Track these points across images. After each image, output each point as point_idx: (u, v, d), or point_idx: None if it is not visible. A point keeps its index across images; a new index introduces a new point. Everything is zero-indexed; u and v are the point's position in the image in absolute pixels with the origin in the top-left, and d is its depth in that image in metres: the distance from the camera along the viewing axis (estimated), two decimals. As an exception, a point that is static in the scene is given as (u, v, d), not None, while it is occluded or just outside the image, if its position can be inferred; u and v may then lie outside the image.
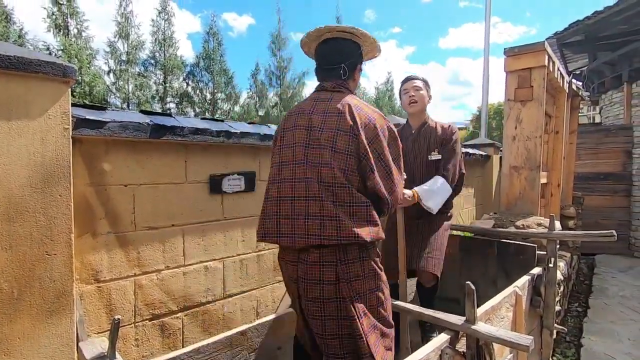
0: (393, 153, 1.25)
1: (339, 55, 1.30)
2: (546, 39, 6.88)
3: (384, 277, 1.32)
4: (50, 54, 11.13)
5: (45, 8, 10.93)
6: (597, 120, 9.10)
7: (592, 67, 6.25)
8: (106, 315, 1.60)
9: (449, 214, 2.30)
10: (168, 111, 14.94)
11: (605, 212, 5.79)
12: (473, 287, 1.49)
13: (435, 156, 2.13)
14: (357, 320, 1.18)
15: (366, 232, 1.14)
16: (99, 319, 1.59)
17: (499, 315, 1.90)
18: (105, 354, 1.20)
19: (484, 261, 2.75)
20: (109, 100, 13.24)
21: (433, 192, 2.03)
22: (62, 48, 11.19)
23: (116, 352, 1.30)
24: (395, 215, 2.19)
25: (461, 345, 1.57)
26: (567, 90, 3.89)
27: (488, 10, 8.21)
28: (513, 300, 2.04)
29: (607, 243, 5.80)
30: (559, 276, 3.18)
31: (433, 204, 2.02)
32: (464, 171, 2.25)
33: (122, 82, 13.67)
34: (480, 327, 1.47)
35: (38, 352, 1.33)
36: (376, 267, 1.27)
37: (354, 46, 1.32)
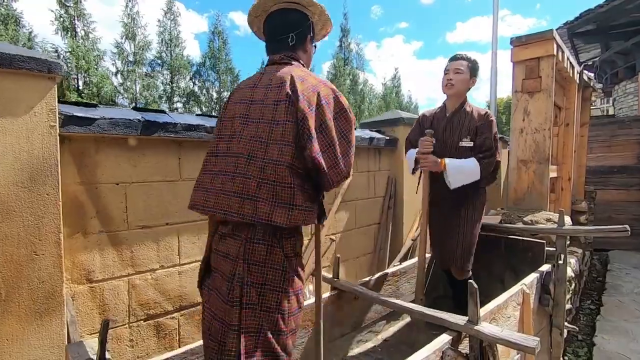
0: (340, 125, 1.12)
1: (285, 25, 1.22)
2: (556, 29, 6.69)
3: (296, 281, 1.09)
4: (58, 56, 11.27)
5: (52, 11, 11.05)
6: (611, 112, 8.83)
7: (604, 57, 6.06)
8: (99, 315, 1.57)
9: (480, 202, 2.16)
10: (176, 111, 15.01)
11: (619, 207, 5.62)
12: (476, 285, 1.42)
13: (466, 143, 2.00)
14: (240, 308, 1.01)
15: (284, 217, 1.01)
16: (92, 319, 1.56)
17: (504, 315, 1.82)
18: (91, 356, 1.16)
19: (490, 258, 2.66)
20: (116, 100, 13.36)
21: (462, 170, 1.94)
22: (70, 50, 11.32)
23: (107, 354, 1.27)
24: (436, 205, 2.10)
25: (464, 347, 1.50)
26: (577, 81, 3.76)
27: (496, 3, 8.04)
28: (520, 299, 1.95)
29: (621, 239, 5.64)
30: (570, 273, 3.08)
31: (455, 180, 1.93)
32: (499, 159, 2.09)
33: (129, 83, 13.78)
34: (484, 327, 1.40)
35: (27, 354, 1.31)
36: (285, 262, 1.06)
37: (301, 16, 1.24)
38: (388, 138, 2.97)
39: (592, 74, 7.44)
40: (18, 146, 1.27)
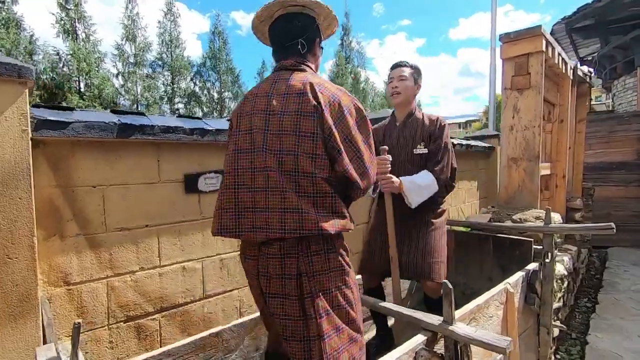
0: (363, 133, 1.14)
1: (294, 30, 1.19)
2: (554, 24, 6.63)
3: (352, 274, 1.21)
4: (60, 59, 11.36)
5: (53, 14, 11.13)
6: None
7: (603, 52, 5.99)
8: (77, 317, 1.59)
9: (439, 211, 2.13)
10: (177, 112, 15.09)
11: (618, 203, 5.56)
12: (450, 286, 1.41)
13: (420, 150, 1.99)
14: (317, 319, 1.07)
15: (331, 224, 1.05)
16: (70, 322, 1.57)
17: (486, 314, 1.81)
18: (62, 357, 1.17)
19: (479, 257, 2.65)
20: (118, 102, 13.45)
21: (419, 186, 1.90)
22: (71, 52, 11.40)
23: (80, 356, 1.28)
24: (380, 212, 2.10)
25: (441, 347, 1.50)
26: (571, 77, 3.71)
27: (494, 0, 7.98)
28: (503, 298, 1.94)
29: (621, 235, 5.57)
30: (562, 271, 3.05)
31: (414, 199, 1.88)
32: (455, 166, 2.08)
33: (130, 84, 13.85)
34: (458, 327, 1.39)
35: (2, 356, 1.33)
36: (343, 262, 1.16)
37: (308, 19, 1.21)
38: (376, 137, 2.95)
39: (592, 69, 7.36)
40: (-11, 151, 1.29)
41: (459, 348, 1.45)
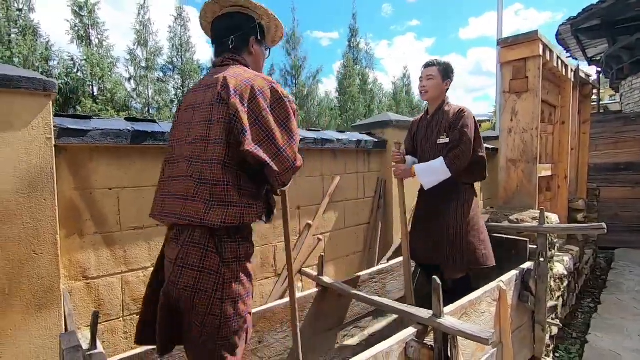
0: (278, 114, 1.10)
1: (227, 28, 1.23)
2: (560, 25, 6.62)
3: (236, 288, 1.06)
4: (74, 64, 11.68)
5: (68, 21, 11.45)
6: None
7: (609, 52, 5.97)
8: (96, 308, 1.72)
9: (463, 201, 2.15)
10: (187, 114, 15.30)
11: (625, 204, 5.53)
12: (439, 281, 1.51)
13: (443, 139, 2.07)
14: (188, 314, 1.04)
15: (220, 216, 1.00)
16: (88, 312, 1.71)
17: (478, 310, 1.89)
18: (83, 344, 1.30)
19: (477, 256, 2.72)
20: (130, 105, 13.72)
21: (428, 170, 2.03)
22: (85, 58, 11.68)
23: (97, 342, 1.41)
24: (425, 200, 2.20)
25: (432, 339, 1.59)
26: (572, 79, 3.75)
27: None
28: (496, 295, 2.02)
29: (628, 236, 5.55)
30: (562, 271, 3.10)
31: (425, 181, 2.04)
32: (482, 154, 2.11)
33: (142, 88, 14.11)
34: (445, 320, 1.48)
35: (30, 342, 1.47)
36: (222, 268, 1.03)
37: (244, 18, 1.24)
38: (377, 140, 3.06)
39: (600, 70, 7.31)
40: (17, 157, 1.43)
41: (448, 340, 1.54)
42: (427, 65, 2.16)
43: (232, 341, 1.06)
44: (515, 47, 2.91)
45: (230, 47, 1.22)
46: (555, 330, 2.88)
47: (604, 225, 2.06)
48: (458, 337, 1.39)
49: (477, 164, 2.13)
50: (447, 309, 1.69)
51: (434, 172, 2.00)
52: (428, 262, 2.25)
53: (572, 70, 3.71)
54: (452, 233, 2.10)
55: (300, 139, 2.49)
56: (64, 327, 1.53)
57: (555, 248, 2.89)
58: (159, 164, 1.90)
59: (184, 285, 1.02)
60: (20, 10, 10.60)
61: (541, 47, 2.84)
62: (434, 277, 1.51)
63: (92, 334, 1.40)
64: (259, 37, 1.28)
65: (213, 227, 1.01)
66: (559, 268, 3.08)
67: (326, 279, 2.16)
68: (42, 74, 10.32)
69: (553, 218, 2.76)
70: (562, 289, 3.13)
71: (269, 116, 1.07)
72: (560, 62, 3.32)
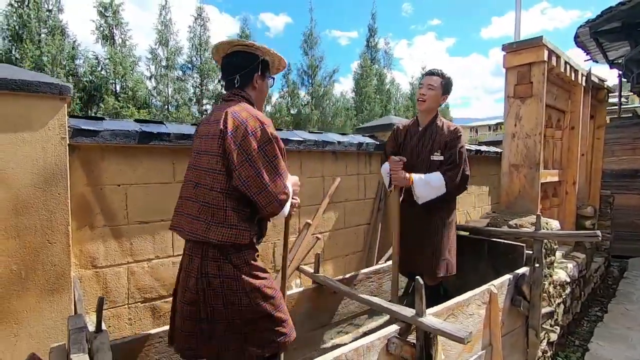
0: (266, 153, 1.25)
1: (234, 67, 1.39)
2: (578, 28, 6.47)
3: (255, 282, 1.28)
4: (98, 63, 12.14)
5: (93, 21, 11.90)
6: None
7: (630, 56, 5.80)
8: (103, 295, 1.86)
9: (452, 212, 2.26)
10: (205, 113, 15.68)
11: (641, 212, 5.38)
12: (422, 282, 1.57)
13: (437, 157, 2.10)
14: (207, 317, 1.25)
15: (217, 235, 1.21)
16: (96, 298, 1.85)
17: (466, 312, 1.94)
18: (89, 327, 1.43)
19: (475, 259, 2.75)
20: (150, 103, 14.12)
21: (428, 185, 2.04)
22: (108, 57, 12.11)
23: (103, 325, 1.54)
24: (409, 209, 2.20)
25: (414, 337, 1.65)
26: (583, 84, 3.70)
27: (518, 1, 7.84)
28: (486, 298, 2.06)
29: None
30: (564, 278, 3.09)
31: (421, 195, 2.04)
32: (468, 173, 2.18)
33: (162, 86, 14.52)
34: (426, 319, 1.54)
35: (42, 323, 1.62)
36: (237, 272, 1.25)
37: (249, 57, 1.39)
38: (378, 143, 3.11)
39: (621, 73, 7.10)
40: (35, 155, 1.58)
41: (430, 338, 1.60)
42: (432, 73, 2.13)
43: (272, 318, 1.31)
44: (520, 53, 2.91)
45: (237, 85, 1.39)
46: (554, 336, 2.88)
47: (598, 233, 2.07)
48: (444, 337, 1.45)
49: (462, 180, 2.17)
50: (434, 309, 1.74)
51: (432, 187, 2.01)
52: (413, 271, 2.26)
53: (582, 74, 3.66)
54: (436, 243, 2.14)
55: (301, 140, 2.58)
56: (73, 310, 1.68)
57: (556, 254, 2.88)
58: (164, 163, 2.04)
59: (213, 289, 1.24)
60: (49, 11, 11.09)
61: (546, 52, 2.83)
62: (417, 277, 1.58)
63: (97, 317, 1.53)
64: (263, 72, 1.45)
65: (215, 243, 1.22)
66: (560, 275, 3.06)
67: (322, 276, 2.25)
68: (68, 72, 10.79)
69: (553, 224, 2.75)
70: (564, 296, 3.11)
71: (258, 155, 1.23)
72: (568, 67, 3.29)
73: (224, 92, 1.45)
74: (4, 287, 1.53)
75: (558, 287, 3.02)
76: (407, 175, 1.99)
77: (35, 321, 1.60)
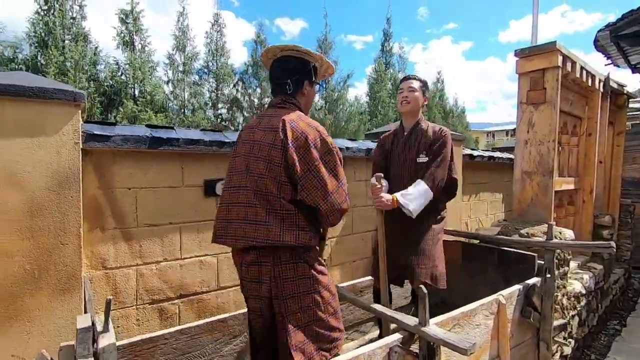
0: (328, 163, 1.29)
1: (284, 72, 1.40)
2: (598, 31, 6.30)
3: (324, 280, 1.37)
4: (118, 68, 12.50)
5: (114, 27, 12.28)
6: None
7: (652, 60, 5.61)
8: (112, 296, 1.91)
9: (438, 217, 2.24)
10: (220, 117, 15.95)
11: (665, 222, 5.16)
12: (425, 290, 1.55)
13: (423, 158, 2.11)
14: (283, 318, 1.28)
15: (293, 237, 1.24)
16: (105, 299, 1.90)
17: (472, 322, 1.90)
18: (90, 326, 1.47)
19: (485, 269, 2.70)
20: (167, 107, 14.42)
21: (412, 195, 2.01)
22: (128, 62, 12.45)
23: (110, 325, 1.58)
24: (387, 223, 2.23)
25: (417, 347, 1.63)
26: (601, 90, 3.60)
27: (536, 2, 7.71)
28: (494, 309, 2.02)
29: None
30: (579, 289, 3.00)
31: (412, 208, 2.00)
32: (455, 176, 2.19)
33: (179, 91, 14.82)
34: (429, 329, 1.52)
35: (53, 322, 1.67)
36: (312, 271, 1.32)
37: (301, 62, 1.40)
38: (388, 149, 3.10)
39: (644, 77, 6.86)
40: (50, 159, 1.64)
41: (434, 348, 1.58)
42: (409, 78, 2.20)
43: (335, 313, 1.39)
44: (532, 58, 2.87)
45: (289, 91, 1.40)
46: (567, 350, 2.79)
47: (612, 244, 2.00)
48: (447, 347, 1.43)
49: (450, 184, 2.16)
50: (438, 318, 1.72)
51: (418, 197, 1.98)
52: (400, 279, 2.22)
53: (600, 80, 3.57)
54: (424, 249, 2.09)
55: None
56: (83, 310, 1.72)
57: (570, 265, 2.80)
58: (173, 167, 2.09)
59: (287, 294, 1.28)
60: (73, 18, 11.50)
61: (560, 58, 2.77)
62: (420, 286, 1.56)
63: (105, 318, 1.57)
64: (313, 79, 1.46)
65: (291, 246, 1.26)
66: (575, 286, 2.97)
67: (327, 282, 2.25)
68: (90, 77, 11.14)
69: (567, 234, 2.68)
70: (579, 308, 3.01)
71: (320, 166, 1.26)
72: (584, 72, 3.21)
73: (272, 96, 1.46)
74: (18, 286, 1.59)
75: (572, 299, 2.94)
76: (389, 197, 1.97)
77: (46, 320, 1.65)
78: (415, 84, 2.15)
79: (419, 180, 2.05)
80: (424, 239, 2.13)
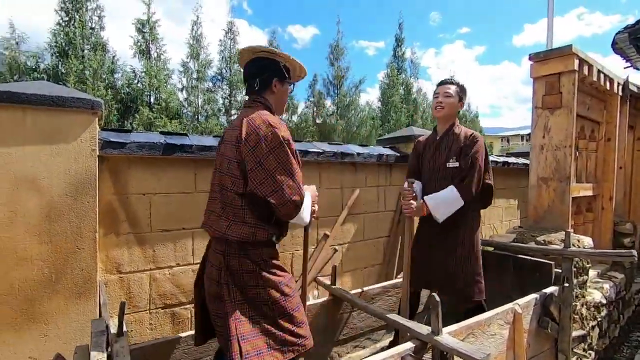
0: (278, 155, 1.29)
1: (253, 72, 1.44)
2: (616, 34, 6.16)
3: (273, 278, 1.34)
4: (135, 76, 12.82)
5: (131, 36, 12.62)
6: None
7: (674, 62, 5.45)
8: (126, 300, 1.94)
9: (475, 227, 2.14)
10: (231, 123, 16.13)
11: (690, 230, 4.96)
12: (438, 299, 1.53)
13: (453, 163, 2.05)
14: (227, 303, 1.27)
15: (237, 231, 1.29)
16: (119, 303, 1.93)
17: (487, 332, 1.86)
18: (104, 329, 1.49)
19: (500, 277, 2.64)
20: (182, 113, 14.69)
21: (441, 200, 1.98)
22: (144, 70, 12.75)
23: (124, 328, 1.60)
24: (421, 227, 2.19)
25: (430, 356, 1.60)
26: (620, 93, 3.51)
27: (551, 6, 7.60)
28: (510, 318, 1.97)
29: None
30: (600, 299, 2.90)
31: (439, 214, 1.98)
32: (490, 182, 2.08)
33: (193, 97, 15.08)
34: (442, 338, 1.50)
35: (69, 324, 1.70)
36: (256, 267, 1.32)
37: (268, 62, 1.43)
38: (399, 154, 3.08)
39: (665, 80, 6.66)
40: (68, 165, 1.68)
41: (447, 358, 1.55)
42: (445, 82, 2.14)
43: (291, 317, 1.35)
44: (547, 62, 2.82)
45: (256, 88, 1.44)
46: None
47: (634, 252, 1.93)
48: (460, 357, 1.40)
49: (485, 191, 2.07)
50: (451, 327, 1.69)
51: (448, 204, 1.94)
52: (427, 288, 2.16)
53: (619, 83, 3.48)
54: (457, 260, 2.03)
55: (320, 152, 2.60)
56: (98, 314, 1.76)
57: (589, 273, 2.72)
58: (187, 173, 2.12)
59: (234, 283, 1.30)
60: (92, 28, 11.86)
61: (576, 61, 2.72)
62: (432, 294, 1.53)
63: (119, 321, 1.59)
64: (283, 77, 1.48)
65: (234, 240, 1.29)
66: (595, 295, 2.88)
67: (338, 289, 2.23)
68: (107, 85, 11.45)
69: (585, 241, 2.60)
70: (599, 319, 2.92)
71: (270, 159, 1.28)
72: (602, 75, 3.13)
73: (246, 96, 1.50)
74: (36, 289, 1.63)
75: (592, 309, 2.84)
76: (415, 204, 1.93)
77: (63, 323, 1.68)
78: (452, 89, 2.10)
79: (451, 186, 1.99)
80: (463, 248, 2.06)
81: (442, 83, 2.16)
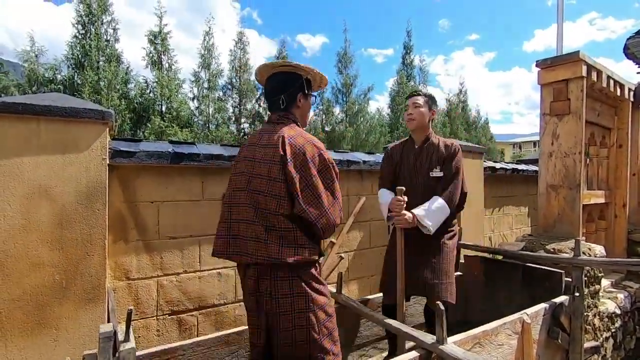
0: (325, 179, 1.30)
1: (278, 87, 1.42)
2: (628, 39, 6.08)
3: (320, 300, 1.34)
4: (147, 86, 13.11)
5: (144, 48, 12.95)
6: None
7: (688, 67, 5.34)
8: (134, 306, 1.97)
9: (452, 233, 2.20)
10: (242, 131, 16.34)
11: None
12: (443, 307, 1.51)
13: (436, 173, 2.10)
14: (278, 333, 1.29)
15: (291, 255, 1.26)
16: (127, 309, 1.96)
17: (494, 342, 1.83)
18: (111, 335, 1.52)
19: (509, 285, 2.60)
20: (192, 122, 14.92)
21: (431, 212, 2.00)
22: (156, 80, 13.03)
23: (131, 335, 1.63)
24: (395, 236, 2.23)
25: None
26: (631, 99, 3.46)
27: (560, 11, 7.54)
28: (518, 328, 1.94)
29: None
30: (613, 309, 2.83)
31: (430, 225, 1.99)
32: (466, 190, 2.17)
33: (203, 106, 15.33)
34: (447, 347, 1.48)
35: (78, 330, 1.74)
36: (307, 289, 1.31)
37: (292, 77, 1.42)
38: (406, 162, 3.08)
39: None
40: (79, 174, 1.73)
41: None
42: (413, 95, 2.20)
43: (330, 335, 1.37)
44: (555, 69, 2.80)
45: (283, 106, 1.43)
46: (603, 374, 2.62)
47: (646, 261, 1.89)
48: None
49: (461, 197, 2.14)
50: (457, 337, 1.67)
51: (437, 214, 1.97)
52: (414, 294, 2.21)
53: (630, 89, 3.43)
54: (441, 266, 2.07)
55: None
56: (106, 320, 1.79)
57: (601, 283, 2.65)
58: (194, 182, 2.16)
59: (282, 311, 1.29)
60: (107, 41, 12.20)
61: (584, 68, 2.69)
62: (437, 302, 1.52)
63: (126, 327, 1.62)
64: (306, 92, 1.48)
65: (289, 263, 1.26)
66: (608, 306, 2.81)
67: (344, 296, 2.23)
68: (121, 95, 11.73)
69: (597, 250, 2.55)
70: (613, 330, 2.84)
71: (318, 181, 1.28)
72: (612, 81, 3.10)
73: (269, 112, 1.48)
74: (47, 295, 1.67)
75: (605, 320, 2.77)
76: (410, 215, 1.94)
77: (72, 328, 1.72)
78: (421, 100, 2.15)
79: (436, 197, 2.03)
80: (441, 255, 2.10)
81: (410, 95, 2.21)
